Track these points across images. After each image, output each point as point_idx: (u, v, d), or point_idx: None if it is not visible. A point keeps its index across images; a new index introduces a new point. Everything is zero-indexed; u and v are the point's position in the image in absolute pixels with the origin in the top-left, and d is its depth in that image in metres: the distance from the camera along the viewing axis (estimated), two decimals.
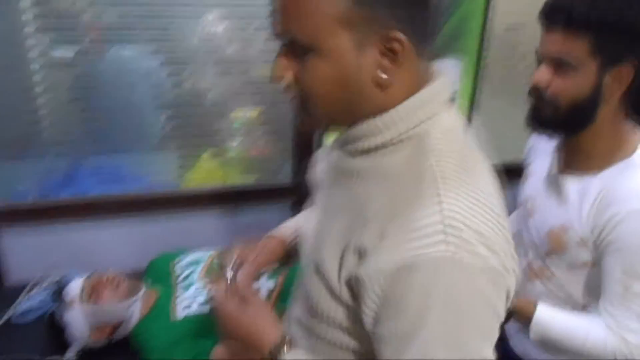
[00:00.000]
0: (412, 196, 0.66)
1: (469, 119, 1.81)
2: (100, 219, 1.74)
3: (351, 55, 0.65)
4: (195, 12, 1.65)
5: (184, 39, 1.68)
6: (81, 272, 1.50)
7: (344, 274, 0.71)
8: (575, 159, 1.16)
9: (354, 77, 0.66)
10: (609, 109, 1.08)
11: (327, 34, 0.64)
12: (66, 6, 1.59)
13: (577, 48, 1.01)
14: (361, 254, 0.68)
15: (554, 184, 1.20)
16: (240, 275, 0.99)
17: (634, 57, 1.01)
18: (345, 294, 0.72)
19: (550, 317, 1.14)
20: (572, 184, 1.15)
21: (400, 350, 0.65)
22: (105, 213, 1.74)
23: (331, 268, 0.73)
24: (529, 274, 1.28)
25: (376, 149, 0.71)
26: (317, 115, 0.72)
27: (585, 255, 1.13)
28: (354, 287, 0.69)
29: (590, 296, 1.17)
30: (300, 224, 1.06)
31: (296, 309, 0.88)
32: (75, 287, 1.40)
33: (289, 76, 0.69)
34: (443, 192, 0.65)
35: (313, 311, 0.79)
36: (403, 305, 0.63)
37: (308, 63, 0.66)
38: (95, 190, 1.75)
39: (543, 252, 1.23)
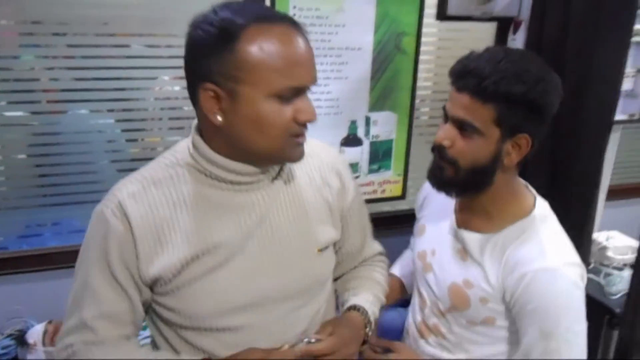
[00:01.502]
0: (324, 157, 1.15)
1: (405, 167, 2.07)
2: (59, 269, 1.87)
3: None
4: (151, 73, 1.85)
5: (140, 98, 1.88)
6: (41, 321, 1.65)
7: (337, 219, 1.14)
8: (475, 217, 1.21)
9: None
10: (507, 174, 1.15)
11: None
12: (24, 70, 1.77)
13: (482, 115, 1.07)
14: (340, 195, 1.15)
15: (455, 239, 1.24)
16: None
17: (532, 130, 1.10)
18: (339, 228, 1.17)
19: None
20: (474, 241, 1.19)
21: (363, 209, 1.25)
22: (63, 263, 1.88)
23: (329, 229, 1.12)
24: (423, 330, 1.33)
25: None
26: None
27: (487, 313, 1.18)
28: (342, 214, 1.17)
29: (488, 354, 1.24)
30: None
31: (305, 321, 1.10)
32: (37, 330, 1.56)
33: None
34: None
35: (323, 280, 1.14)
36: (356, 193, 1.21)
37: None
38: (52, 242, 1.89)
39: (444, 309, 1.26)
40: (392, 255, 2.12)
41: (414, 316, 1.38)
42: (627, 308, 1.61)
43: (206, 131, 0.98)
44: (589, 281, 1.24)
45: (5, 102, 1.79)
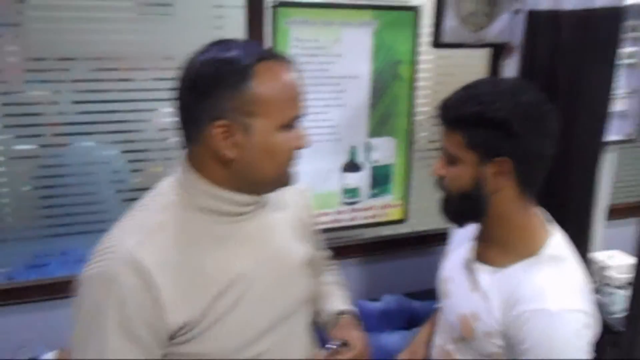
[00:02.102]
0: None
1: (406, 190, 2.19)
2: (67, 298, 1.98)
3: None
4: (151, 105, 1.99)
5: (141, 129, 2.01)
6: (51, 350, 1.75)
7: (309, 234, 1.26)
8: (490, 249, 1.27)
9: None
10: (502, 200, 1.20)
11: None
12: (30, 105, 1.90)
13: (454, 141, 1.18)
14: (305, 211, 1.28)
15: (468, 270, 1.30)
16: None
17: (509, 152, 1.15)
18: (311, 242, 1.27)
19: None
20: (484, 274, 1.25)
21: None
22: (71, 292, 1.99)
23: (307, 245, 1.23)
24: (441, 354, 1.39)
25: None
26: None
27: (492, 348, 1.22)
28: (312, 231, 1.30)
29: None
30: None
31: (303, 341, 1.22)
32: (48, 359, 1.66)
33: None
34: None
35: (312, 292, 1.25)
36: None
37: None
38: (60, 271, 2.00)
39: (456, 337, 1.32)
40: (393, 279, 2.24)
41: (437, 339, 1.46)
42: (626, 326, 1.71)
43: (207, 166, 1.02)
44: None
45: (12, 135, 1.91)
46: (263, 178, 1.04)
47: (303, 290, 1.21)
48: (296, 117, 1.04)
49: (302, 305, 1.21)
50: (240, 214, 1.07)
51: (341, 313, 1.34)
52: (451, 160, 1.21)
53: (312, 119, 2.00)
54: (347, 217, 2.16)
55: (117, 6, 1.89)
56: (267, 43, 1.89)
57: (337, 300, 1.38)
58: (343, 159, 2.10)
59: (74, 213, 2.00)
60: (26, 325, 1.93)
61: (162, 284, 0.96)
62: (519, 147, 1.14)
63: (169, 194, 1.06)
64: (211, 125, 0.97)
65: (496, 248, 1.26)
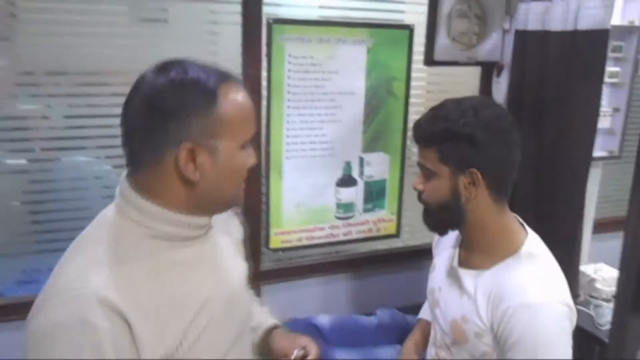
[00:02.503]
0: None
1: (399, 205, 2.28)
2: None
3: None
4: None
5: None
6: None
7: (242, 251, 1.27)
8: (473, 255, 1.36)
9: None
10: (478, 208, 1.31)
11: None
12: (20, 119, 1.93)
13: (430, 157, 1.30)
14: (236, 227, 1.28)
15: (453, 276, 1.39)
16: None
17: (477, 163, 1.26)
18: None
19: None
20: (469, 278, 1.34)
21: None
22: None
23: (244, 262, 1.25)
24: None
25: None
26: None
27: (484, 347, 1.31)
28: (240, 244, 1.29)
29: None
30: None
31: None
32: None
33: None
34: None
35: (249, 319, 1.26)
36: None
37: None
38: None
39: (449, 342, 1.41)
40: (387, 293, 2.31)
41: (430, 348, 1.54)
42: (611, 338, 1.80)
43: (164, 191, 1.00)
44: (579, 313, 1.31)
45: (1, 150, 1.92)
46: (225, 198, 1.06)
47: (248, 307, 1.25)
48: (254, 136, 1.06)
49: (248, 322, 1.25)
50: (195, 237, 1.07)
51: (273, 327, 1.38)
52: (428, 175, 1.32)
53: (307, 135, 2.08)
54: (342, 231, 2.22)
55: (110, 21, 1.93)
56: (263, 60, 1.97)
57: (265, 316, 1.42)
58: (337, 174, 2.17)
59: (64, 229, 2.01)
60: (15, 344, 1.92)
61: (136, 320, 0.92)
62: (486, 157, 1.27)
63: (117, 225, 1.01)
64: (176, 148, 0.95)
65: (478, 253, 1.36)
